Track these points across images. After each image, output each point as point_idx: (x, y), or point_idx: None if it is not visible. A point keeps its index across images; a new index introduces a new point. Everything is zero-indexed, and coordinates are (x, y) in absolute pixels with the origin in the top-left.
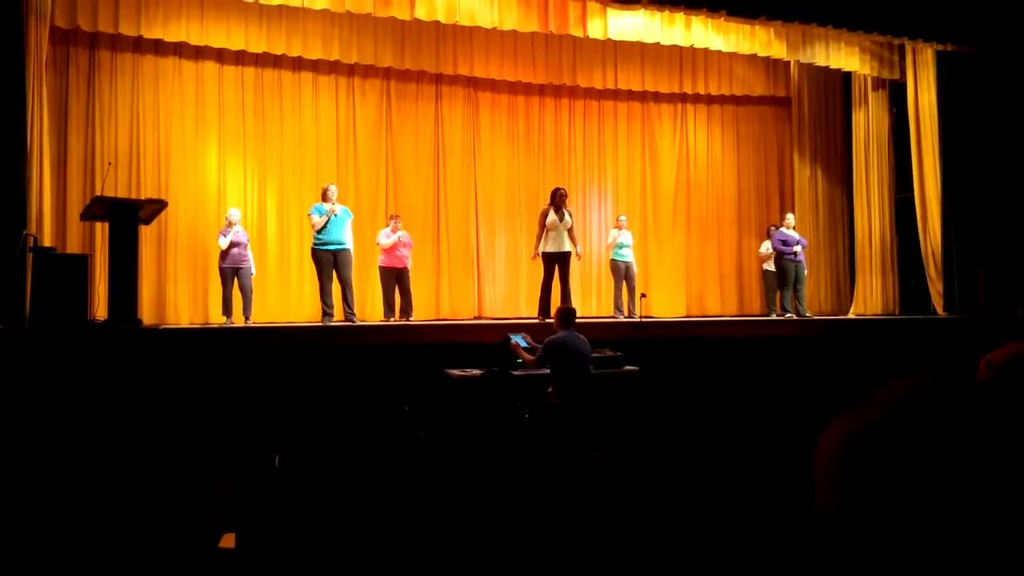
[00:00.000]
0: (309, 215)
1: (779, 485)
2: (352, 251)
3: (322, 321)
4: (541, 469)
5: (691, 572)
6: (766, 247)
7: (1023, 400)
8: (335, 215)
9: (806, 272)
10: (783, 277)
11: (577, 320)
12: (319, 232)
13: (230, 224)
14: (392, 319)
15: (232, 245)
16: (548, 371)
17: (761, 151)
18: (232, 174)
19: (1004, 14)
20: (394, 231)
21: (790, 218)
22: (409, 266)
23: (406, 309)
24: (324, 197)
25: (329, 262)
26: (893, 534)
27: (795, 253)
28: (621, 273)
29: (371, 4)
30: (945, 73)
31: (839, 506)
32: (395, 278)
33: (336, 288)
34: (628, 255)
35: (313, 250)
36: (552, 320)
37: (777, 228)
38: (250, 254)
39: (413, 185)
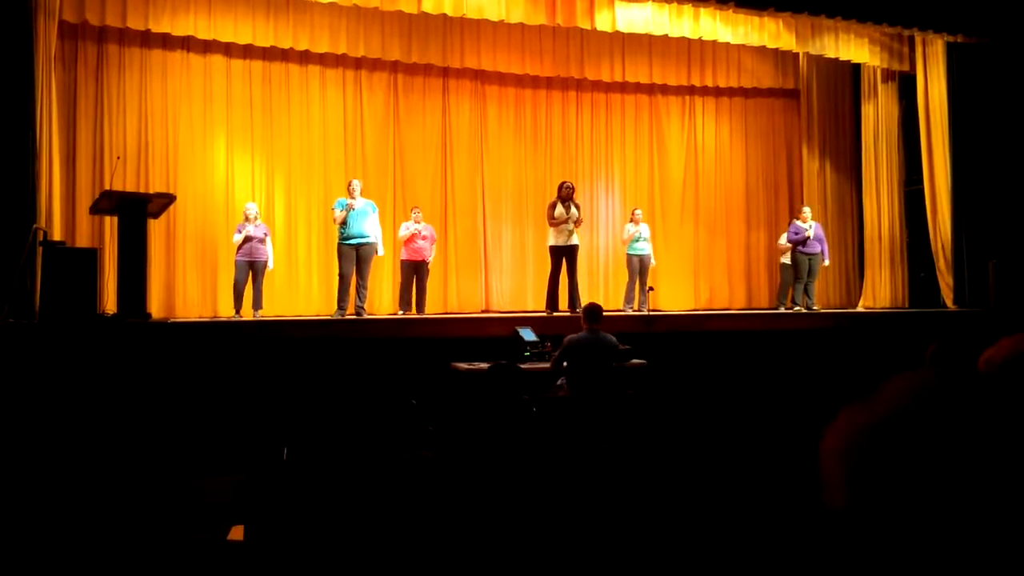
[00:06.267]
0: (332, 209)
1: (787, 481)
2: (377, 245)
3: (334, 314)
4: (548, 463)
5: (698, 569)
6: (784, 239)
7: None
8: (354, 209)
9: (826, 264)
10: (796, 271)
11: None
12: (341, 226)
13: (245, 219)
14: (405, 312)
15: (246, 239)
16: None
17: (770, 144)
18: (240, 168)
19: (1015, 5)
20: (417, 222)
21: (806, 211)
22: (429, 260)
23: (419, 306)
24: (348, 191)
25: (351, 256)
26: (901, 531)
27: (805, 242)
28: (635, 267)
29: None
30: (955, 65)
31: (847, 503)
32: (414, 271)
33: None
34: (645, 248)
35: (337, 244)
36: (559, 313)
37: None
38: (267, 248)
39: (420, 178)
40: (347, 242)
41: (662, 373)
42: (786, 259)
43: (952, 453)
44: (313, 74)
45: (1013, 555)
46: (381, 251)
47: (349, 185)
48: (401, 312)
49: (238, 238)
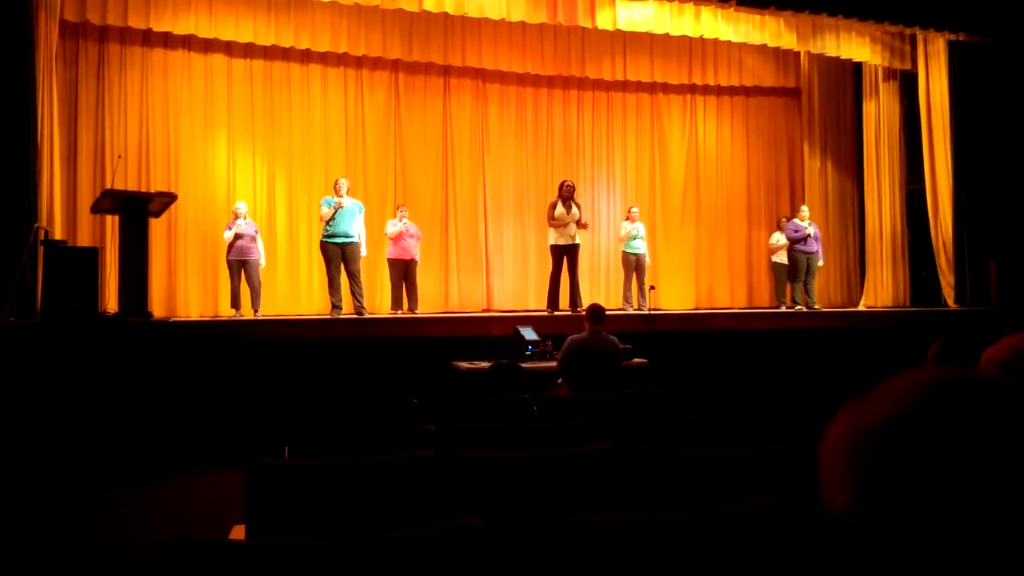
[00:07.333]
0: (320, 206)
1: (786, 480)
2: (362, 244)
3: (331, 314)
4: (549, 463)
5: (697, 570)
6: (776, 239)
7: None
8: (342, 207)
9: (820, 263)
10: (794, 269)
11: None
12: (327, 224)
13: (236, 216)
14: (399, 312)
15: (237, 237)
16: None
17: (771, 142)
18: (241, 167)
19: (1016, 4)
20: (401, 220)
21: (804, 210)
22: (417, 258)
23: (411, 303)
24: (335, 190)
25: (337, 255)
26: (902, 532)
27: (805, 240)
28: (632, 266)
29: None
30: (957, 63)
31: (847, 503)
32: (403, 270)
33: (344, 281)
34: (640, 247)
35: (321, 243)
36: (561, 313)
37: (789, 220)
38: (258, 246)
39: (421, 177)
40: (332, 240)
41: (663, 372)
42: (778, 257)
43: (955, 453)
44: (314, 73)
45: (1017, 556)
46: (364, 251)
47: (336, 183)
48: (397, 311)
49: (229, 235)
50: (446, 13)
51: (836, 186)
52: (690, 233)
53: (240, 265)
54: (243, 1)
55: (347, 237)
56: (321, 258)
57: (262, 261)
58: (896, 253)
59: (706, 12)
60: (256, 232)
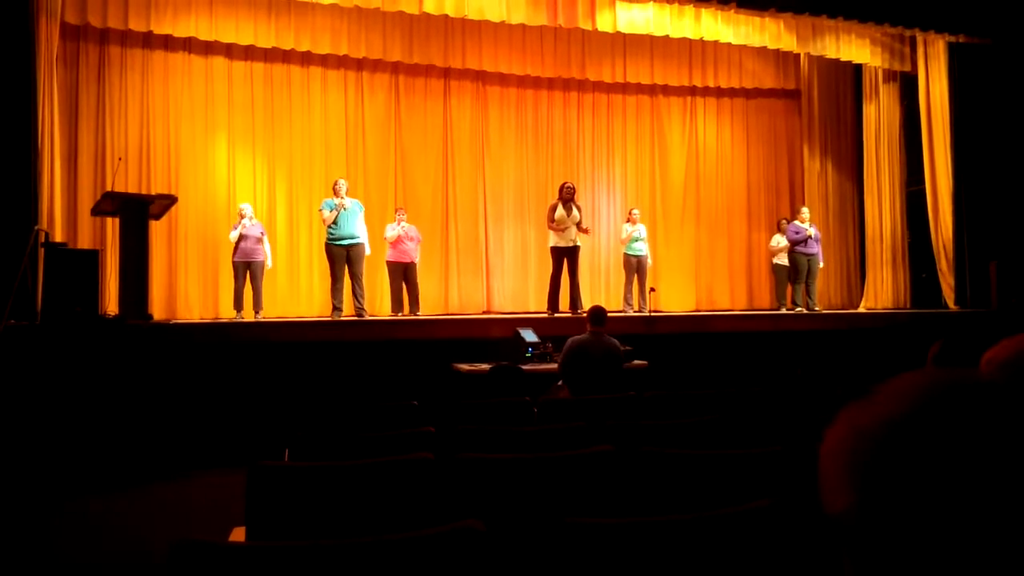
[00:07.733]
0: (320, 210)
1: (787, 483)
2: (366, 244)
3: (331, 316)
4: (549, 464)
5: (698, 571)
6: (777, 241)
7: None
8: (344, 209)
9: (821, 266)
10: (795, 271)
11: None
12: (330, 227)
13: (241, 217)
14: (400, 314)
15: (241, 238)
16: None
17: (771, 144)
18: (242, 169)
19: (1016, 5)
20: (398, 223)
21: (805, 212)
22: (417, 260)
23: (412, 304)
24: (334, 192)
25: (342, 257)
26: (902, 535)
27: (806, 242)
28: (633, 268)
29: None
30: (957, 65)
31: (847, 505)
32: (402, 273)
33: (347, 283)
34: (642, 249)
35: (326, 245)
36: (561, 314)
37: (790, 222)
38: (264, 247)
39: (422, 180)
40: (338, 243)
41: (664, 374)
42: (779, 259)
43: (955, 455)
44: (315, 75)
45: (1017, 558)
46: (368, 250)
47: (335, 185)
48: (398, 314)
49: (234, 235)
50: (446, 15)
51: (836, 188)
52: (690, 235)
53: (245, 266)
54: (243, 4)
55: (352, 238)
56: (321, 260)
57: (268, 262)
58: (896, 255)
59: (706, 14)
60: (263, 233)
